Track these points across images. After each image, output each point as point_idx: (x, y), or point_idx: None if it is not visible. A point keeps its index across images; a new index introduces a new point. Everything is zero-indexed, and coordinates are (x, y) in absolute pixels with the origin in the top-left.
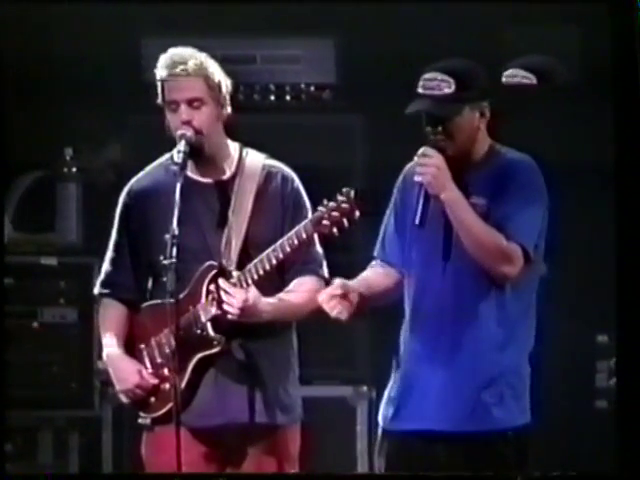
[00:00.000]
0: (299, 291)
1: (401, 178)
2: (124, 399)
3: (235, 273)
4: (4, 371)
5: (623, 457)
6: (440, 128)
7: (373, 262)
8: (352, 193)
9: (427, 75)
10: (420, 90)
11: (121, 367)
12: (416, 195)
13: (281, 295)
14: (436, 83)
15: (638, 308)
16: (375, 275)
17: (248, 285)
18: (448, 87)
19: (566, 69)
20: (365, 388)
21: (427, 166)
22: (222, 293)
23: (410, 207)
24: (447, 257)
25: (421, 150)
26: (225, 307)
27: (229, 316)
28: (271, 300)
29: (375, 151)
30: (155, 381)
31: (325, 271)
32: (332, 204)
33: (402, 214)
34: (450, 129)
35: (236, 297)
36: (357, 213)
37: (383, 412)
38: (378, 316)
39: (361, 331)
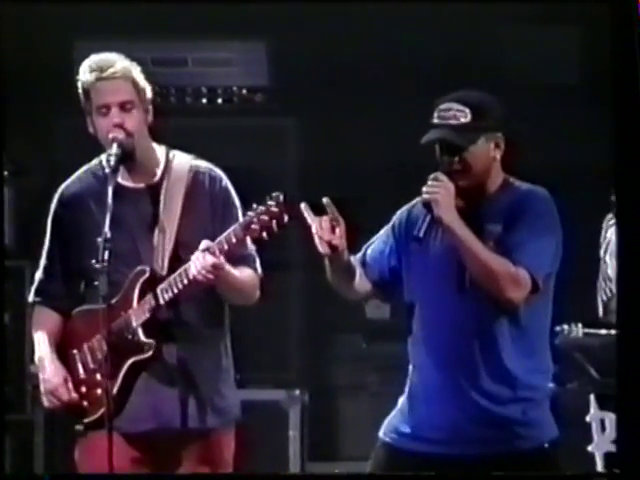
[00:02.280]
0: (239, 272)
1: (400, 212)
2: (46, 402)
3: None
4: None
5: (623, 457)
6: (456, 158)
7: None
8: (281, 197)
9: (443, 105)
10: (436, 120)
11: (47, 369)
12: (421, 214)
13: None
14: (452, 113)
15: (638, 310)
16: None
17: (179, 289)
18: (464, 117)
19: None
20: (298, 392)
21: (436, 187)
22: (194, 261)
23: (406, 235)
24: (461, 284)
25: (433, 175)
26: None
27: (203, 279)
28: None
29: (307, 154)
30: (82, 388)
31: (259, 267)
32: (261, 208)
33: (399, 239)
34: (466, 159)
35: (206, 261)
36: (286, 217)
37: (394, 427)
38: (311, 319)
39: (294, 335)
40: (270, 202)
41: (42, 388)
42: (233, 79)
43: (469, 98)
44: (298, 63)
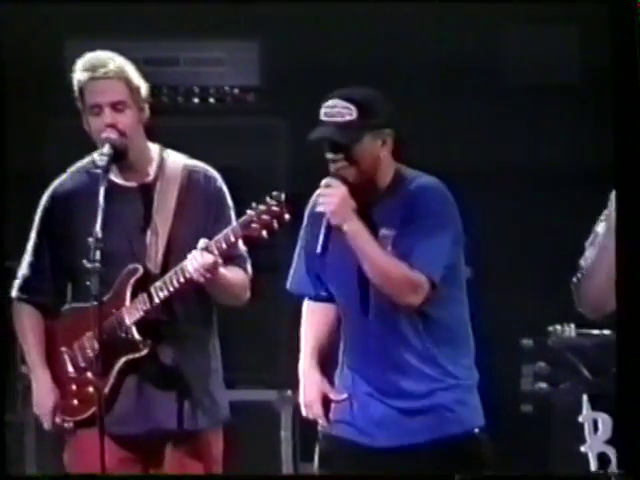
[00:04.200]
0: (230, 271)
1: (309, 208)
2: (43, 421)
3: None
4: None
5: (623, 457)
6: (342, 155)
7: (305, 307)
8: (282, 196)
9: (329, 102)
10: (322, 117)
11: (38, 389)
12: (319, 225)
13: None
14: (337, 110)
15: (637, 312)
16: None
17: (174, 288)
18: (350, 115)
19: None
20: (289, 392)
21: (329, 196)
22: (190, 260)
23: (317, 237)
24: (365, 286)
25: (324, 181)
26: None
27: (200, 278)
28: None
29: (298, 154)
30: (72, 386)
31: (249, 267)
32: (262, 207)
33: (312, 245)
34: (351, 157)
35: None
36: (287, 216)
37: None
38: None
39: (286, 335)
40: (271, 201)
41: (34, 407)
42: (225, 79)
43: (354, 95)
44: (290, 63)
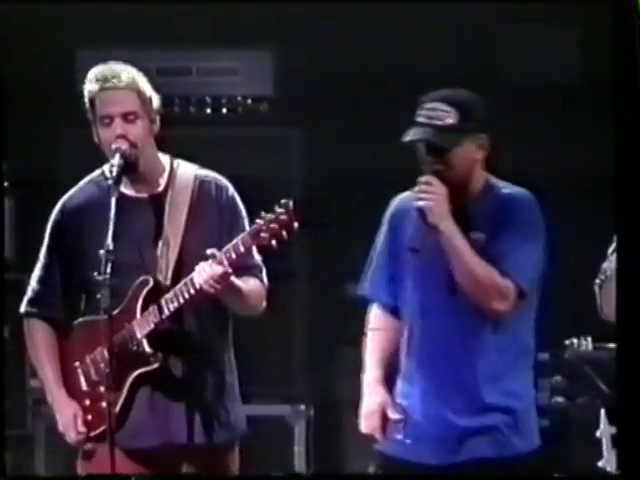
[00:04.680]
0: (244, 283)
1: (389, 214)
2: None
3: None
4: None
5: (623, 457)
6: (439, 158)
7: (373, 314)
8: (290, 204)
9: (429, 105)
10: (421, 119)
11: (58, 407)
12: (413, 221)
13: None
14: (438, 113)
15: (637, 318)
16: (385, 342)
17: (185, 299)
18: (450, 118)
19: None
20: (303, 407)
21: (430, 194)
22: (199, 271)
23: (402, 239)
24: (451, 291)
25: (424, 178)
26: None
27: (210, 289)
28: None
29: (311, 164)
30: (86, 401)
31: (264, 276)
32: (270, 216)
33: (394, 247)
34: (450, 160)
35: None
36: (296, 224)
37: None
38: (317, 335)
39: (300, 350)
40: (279, 209)
41: (59, 426)
42: (238, 89)
43: (456, 99)
44: (303, 73)
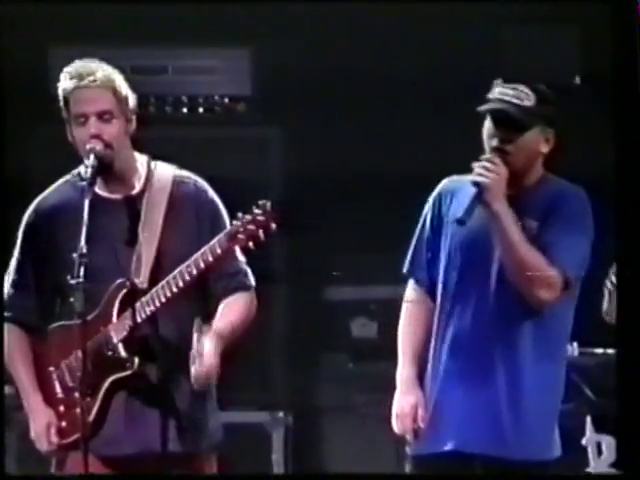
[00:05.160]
0: (232, 313)
1: (436, 193)
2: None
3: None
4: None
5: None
6: (509, 138)
7: (409, 291)
8: (268, 205)
9: (509, 84)
10: (497, 95)
11: (32, 411)
12: (464, 196)
13: (220, 325)
14: (517, 93)
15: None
16: (420, 320)
17: (161, 303)
18: (529, 101)
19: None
20: (281, 414)
21: (490, 171)
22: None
23: (446, 216)
24: (491, 272)
25: (487, 156)
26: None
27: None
28: (218, 337)
29: (290, 164)
30: (60, 407)
31: (251, 280)
32: (248, 217)
33: (437, 223)
34: (518, 143)
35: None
36: (273, 226)
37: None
38: (295, 338)
39: (278, 356)
40: (256, 210)
41: (31, 433)
42: (215, 88)
43: (537, 85)
44: (281, 72)
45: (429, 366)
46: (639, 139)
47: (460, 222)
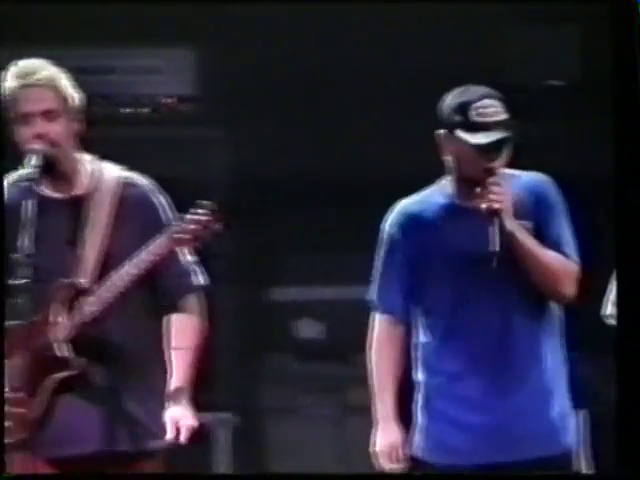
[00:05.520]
0: (184, 340)
1: (399, 217)
2: None
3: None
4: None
5: (623, 457)
6: (498, 155)
7: (381, 323)
8: (212, 206)
9: (479, 103)
10: (481, 119)
11: None
12: (487, 223)
13: (177, 359)
14: (494, 110)
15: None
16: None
17: (107, 303)
18: (504, 113)
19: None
20: (226, 415)
21: (503, 195)
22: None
23: (424, 246)
24: (496, 293)
25: (493, 179)
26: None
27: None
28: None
29: (236, 164)
30: (5, 408)
31: (201, 279)
32: (191, 217)
33: (411, 255)
34: (503, 156)
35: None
36: (217, 226)
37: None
38: (240, 338)
39: (223, 354)
40: (200, 210)
41: None
42: (160, 88)
43: (495, 94)
44: (227, 72)
45: (420, 396)
46: (639, 139)
47: (494, 254)
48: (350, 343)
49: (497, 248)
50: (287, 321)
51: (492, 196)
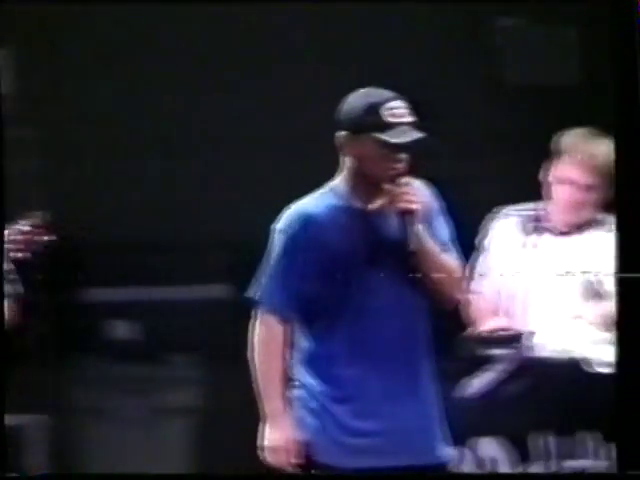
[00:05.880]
0: None
1: (295, 221)
2: None
3: None
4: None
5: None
6: (407, 156)
7: (268, 322)
8: (38, 216)
9: (393, 103)
10: (395, 119)
11: None
12: (398, 222)
13: None
14: (405, 110)
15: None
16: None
17: None
18: (410, 115)
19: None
20: (41, 416)
21: (417, 196)
22: None
23: (323, 249)
24: (399, 294)
25: (405, 179)
26: None
27: None
28: None
29: (49, 165)
30: None
31: (20, 288)
32: (17, 228)
33: (309, 258)
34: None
35: None
36: (46, 238)
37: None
38: (54, 342)
39: (37, 358)
40: (26, 221)
41: None
42: None
43: (399, 96)
44: (37, 71)
45: (308, 396)
46: (639, 139)
47: (414, 253)
48: (166, 344)
49: (413, 246)
50: (102, 322)
51: (407, 197)
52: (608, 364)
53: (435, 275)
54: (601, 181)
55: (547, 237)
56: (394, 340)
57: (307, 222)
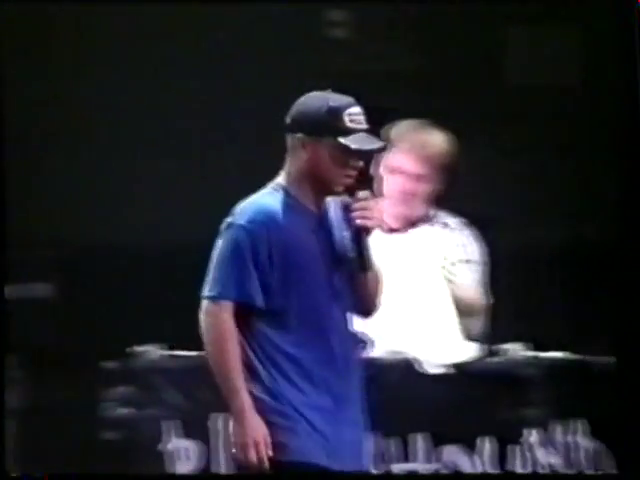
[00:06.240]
0: None
1: (260, 214)
2: None
3: None
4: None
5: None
6: (365, 164)
7: (222, 313)
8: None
9: (353, 109)
10: (358, 125)
11: None
12: (354, 237)
13: None
14: (363, 117)
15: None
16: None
17: None
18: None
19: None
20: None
21: (374, 211)
22: None
23: (280, 245)
24: (340, 298)
25: (363, 193)
26: None
27: None
28: None
29: None
30: None
31: None
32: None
33: (269, 256)
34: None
35: None
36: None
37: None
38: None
39: None
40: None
41: None
42: None
43: (357, 103)
44: None
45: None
46: (639, 139)
47: (367, 269)
48: None
49: (367, 265)
50: None
51: (364, 212)
52: (440, 365)
53: (371, 284)
54: (432, 172)
55: (376, 234)
56: (338, 345)
57: (267, 218)
